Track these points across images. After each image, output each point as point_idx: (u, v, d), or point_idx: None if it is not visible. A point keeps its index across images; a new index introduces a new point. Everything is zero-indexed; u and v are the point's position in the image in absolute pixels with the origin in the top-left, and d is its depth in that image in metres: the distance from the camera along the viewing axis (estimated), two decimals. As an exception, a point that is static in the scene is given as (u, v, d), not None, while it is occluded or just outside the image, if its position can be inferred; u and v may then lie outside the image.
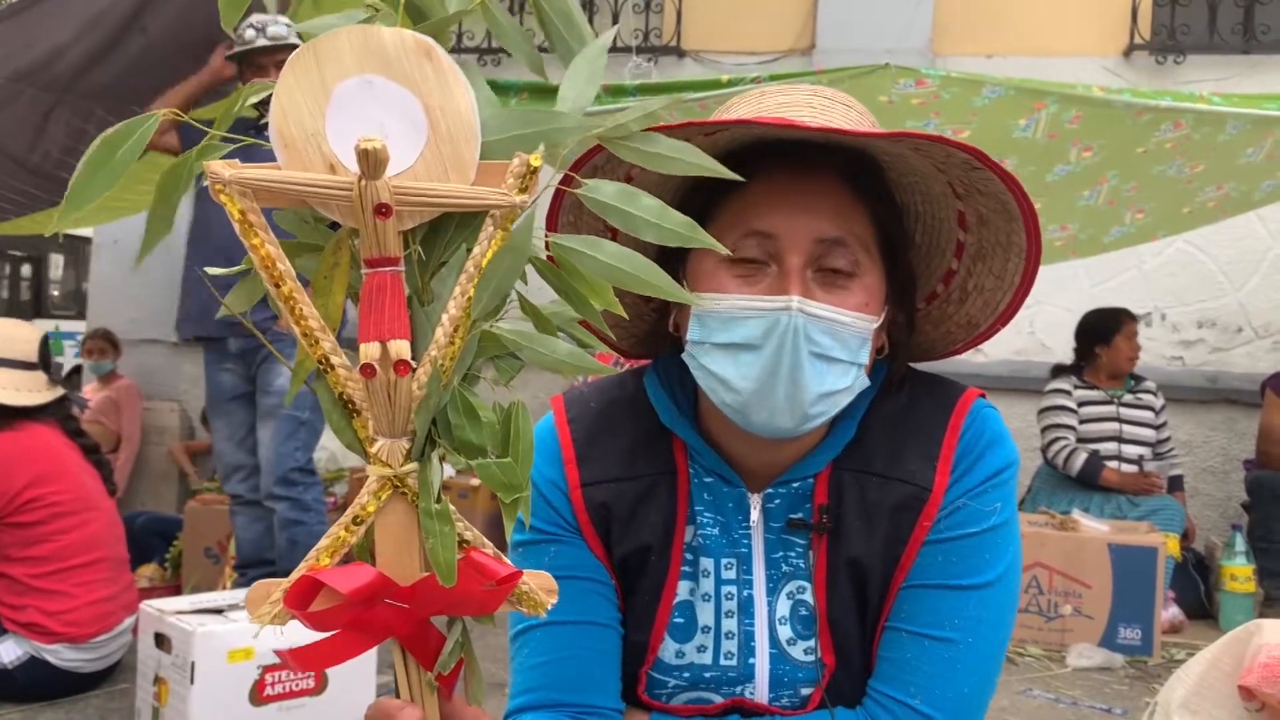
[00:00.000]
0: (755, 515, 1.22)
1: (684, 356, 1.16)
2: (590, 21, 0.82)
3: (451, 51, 0.77)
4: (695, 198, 1.18)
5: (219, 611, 3.11)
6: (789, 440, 1.17)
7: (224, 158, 0.76)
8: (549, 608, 0.82)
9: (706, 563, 1.23)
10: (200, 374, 4.32)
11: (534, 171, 0.75)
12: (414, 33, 0.75)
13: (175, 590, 4.74)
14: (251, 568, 4.12)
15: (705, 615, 1.23)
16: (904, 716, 1.17)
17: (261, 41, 3.93)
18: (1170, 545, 4.78)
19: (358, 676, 3.16)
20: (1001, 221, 1.17)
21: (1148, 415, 5.31)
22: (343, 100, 0.74)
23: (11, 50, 4.25)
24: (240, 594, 3.32)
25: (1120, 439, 5.23)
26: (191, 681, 2.92)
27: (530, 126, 0.77)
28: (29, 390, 3.50)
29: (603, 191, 0.78)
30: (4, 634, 3.37)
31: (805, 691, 1.22)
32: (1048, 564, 4.60)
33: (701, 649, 1.23)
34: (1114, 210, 4.47)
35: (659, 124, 1.05)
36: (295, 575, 0.77)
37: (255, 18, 3.97)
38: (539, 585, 0.82)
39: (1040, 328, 6.02)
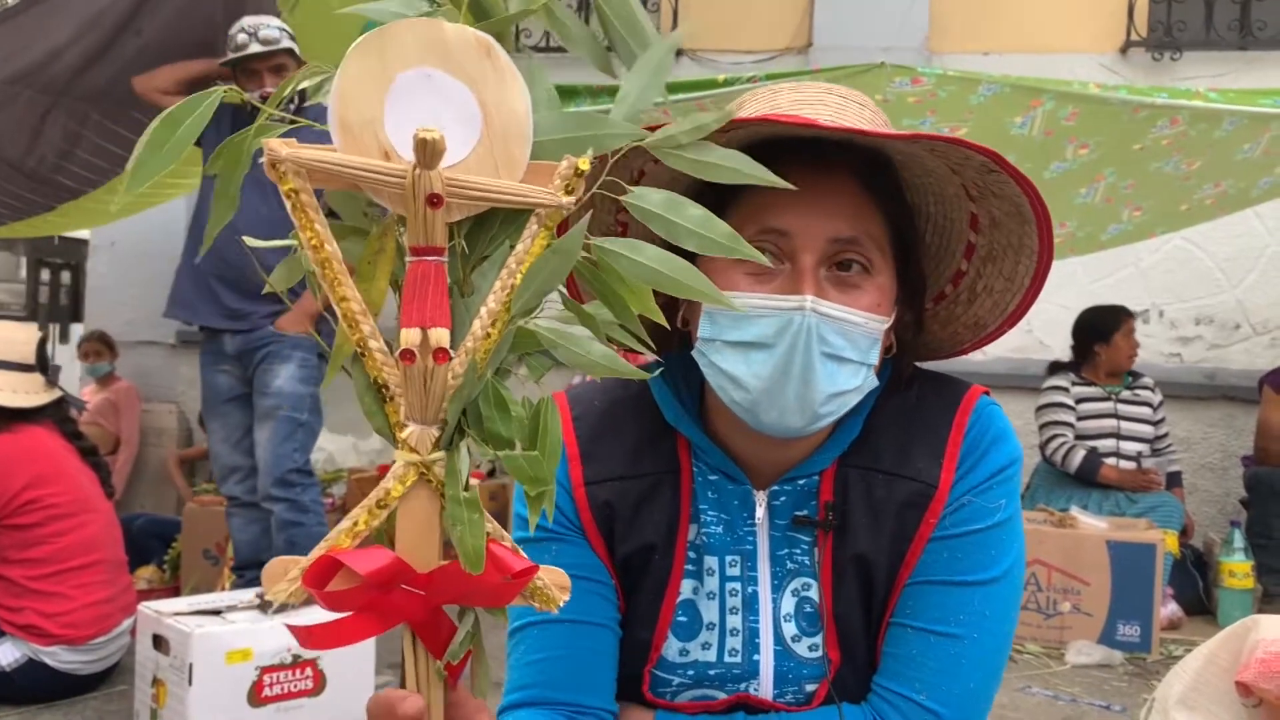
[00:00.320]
0: (761, 512, 1.22)
1: (694, 354, 1.15)
2: (586, 21, 0.82)
3: (515, 49, 0.78)
4: (708, 194, 1.18)
5: (217, 613, 3.11)
6: (796, 439, 1.17)
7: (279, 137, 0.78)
8: (561, 604, 0.82)
9: (710, 561, 1.23)
10: (198, 376, 4.31)
11: (581, 174, 0.76)
12: (476, 30, 0.76)
13: (174, 592, 4.74)
14: (250, 569, 4.11)
15: (710, 613, 1.23)
16: (910, 712, 1.17)
17: (254, 47, 3.91)
18: (1169, 542, 4.78)
19: (356, 677, 3.16)
20: (1014, 224, 1.17)
21: (1145, 412, 5.31)
22: (403, 90, 0.75)
23: (8, 53, 4.26)
24: (239, 596, 3.32)
25: (1118, 435, 5.24)
26: (190, 683, 2.92)
27: (581, 130, 0.79)
28: (26, 392, 3.51)
29: (649, 200, 0.79)
30: (2, 636, 3.37)
31: (809, 688, 1.22)
32: (1046, 561, 4.60)
33: (706, 646, 1.23)
34: (1111, 208, 4.48)
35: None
36: (314, 554, 0.78)
37: (247, 21, 3.95)
38: (553, 581, 0.82)
39: (1038, 325, 6.03)
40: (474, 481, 0.80)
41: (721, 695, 1.23)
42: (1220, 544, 5.07)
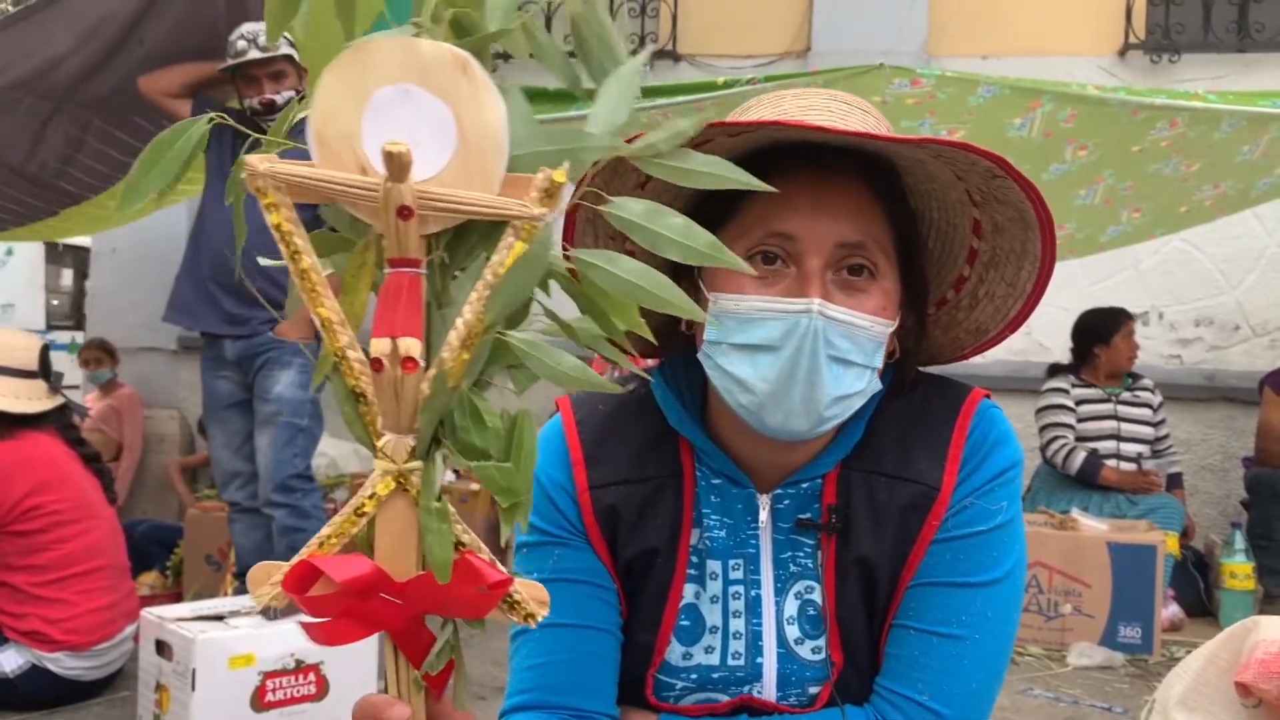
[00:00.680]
0: (764, 516, 1.22)
1: (699, 356, 1.16)
2: (549, 29, 0.84)
3: (496, 58, 0.79)
4: (715, 199, 1.17)
5: (220, 618, 3.11)
6: (800, 442, 1.17)
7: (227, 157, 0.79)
8: (540, 619, 0.83)
9: (713, 565, 1.23)
10: (199, 381, 4.32)
11: (557, 186, 0.77)
12: (452, 47, 0.77)
13: (176, 598, 4.75)
14: (251, 575, 4.11)
15: (713, 616, 1.24)
16: (912, 713, 1.18)
17: (254, 54, 3.93)
18: (1169, 543, 4.78)
19: (358, 683, 3.16)
20: (1017, 230, 1.17)
21: (1146, 413, 5.32)
22: (380, 106, 0.77)
23: (10, 60, 4.27)
24: (241, 601, 3.32)
25: (1119, 437, 5.24)
26: (193, 688, 2.92)
27: (557, 144, 0.79)
28: (29, 398, 3.51)
29: (629, 209, 0.79)
30: (5, 643, 3.37)
31: (812, 690, 1.22)
32: (1047, 563, 4.60)
33: (709, 649, 1.23)
34: (1111, 209, 4.48)
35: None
36: (296, 559, 0.79)
37: (246, 28, 3.96)
38: (530, 595, 0.83)
39: (1038, 328, 6.03)
40: (468, 484, 0.80)
41: (725, 698, 1.24)
42: (1221, 545, 5.07)
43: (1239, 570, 4.86)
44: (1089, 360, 5.33)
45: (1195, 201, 4.54)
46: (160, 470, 6.77)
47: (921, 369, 1.29)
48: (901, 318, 1.19)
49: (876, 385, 1.16)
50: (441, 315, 0.79)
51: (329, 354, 0.80)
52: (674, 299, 0.78)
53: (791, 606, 1.23)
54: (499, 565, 0.80)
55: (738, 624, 1.23)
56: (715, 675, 1.23)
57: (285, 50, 3.94)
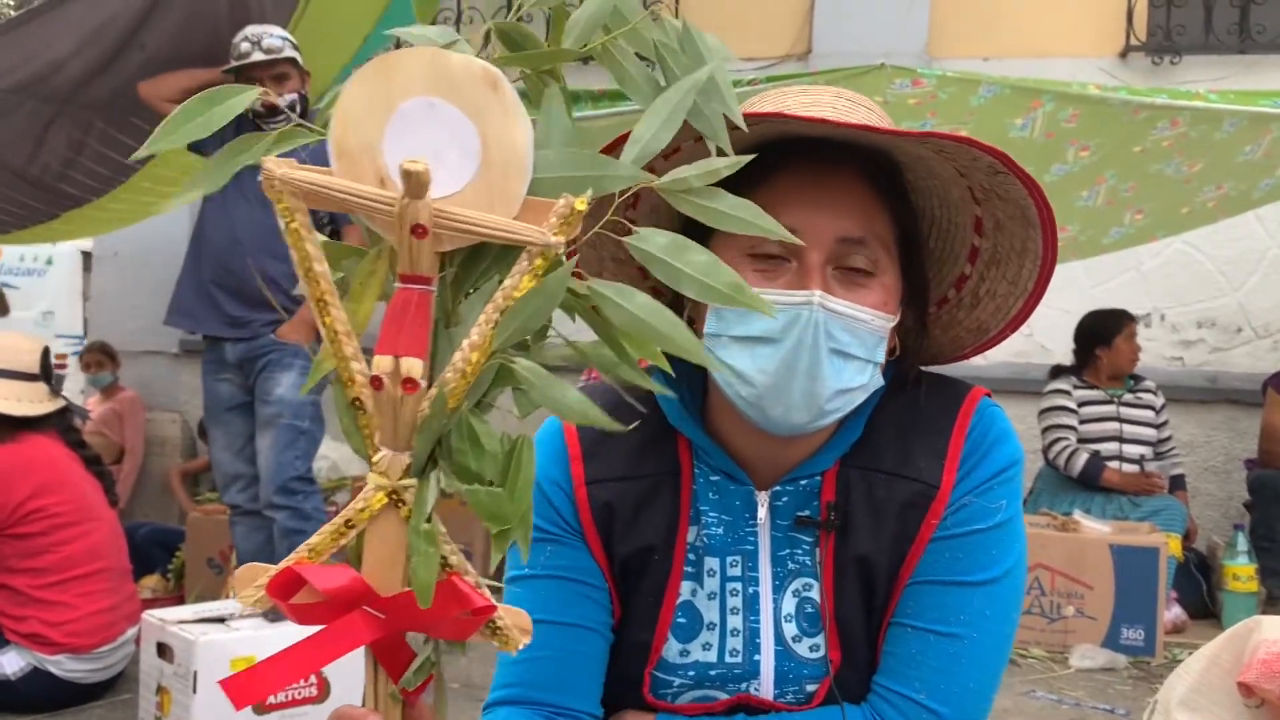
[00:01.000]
0: (762, 513, 1.22)
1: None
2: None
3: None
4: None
5: (221, 621, 3.11)
6: (799, 437, 1.17)
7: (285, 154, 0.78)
8: (521, 646, 0.82)
9: (711, 562, 1.23)
10: (199, 385, 4.32)
11: (578, 214, 0.76)
12: (483, 62, 0.76)
13: (178, 601, 4.74)
14: (253, 577, 4.11)
15: (710, 613, 1.24)
16: (909, 711, 1.18)
17: (257, 55, 3.93)
18: (1172, 545, 4.77)
19: (359, 685, 3.14)
20: (1018, 227, 1.17)
21: (1148, 415, 5.31)
22: (405, 118, 0.76)
23: (11, 64, 4.27)
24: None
25: (1121, 439, 5.23)
26: (194, 691, 2.92)
27: (583, 170, 0.78)
28: (30, 401, 3.51)
29: (652, 243, 0.78)
30: (6, 645, 3.37)
31: (810, 688, 1.22)
32: (1050, 565, 4.60)
33: (706, 646, 1.23)
34: (1113, 211, 4.48)
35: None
36: (282, 565, 0.78)
37: (250, 30, 3.96)
38: (514, 623, 0.82)
39: (1040, 329, 6.02)
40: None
41: (723, 696, 1.24)
42: (1224, 547, 5.06)
43: (1242, 572, 4.86)
44: (1091, 362, 5.33)
45: (1197, 203, 4.53)
46: (161, 474, 6.77)
47: (923, 368, 1.29)
48: (902, 315, 1.19)
49: (879, 381, 1.16)
50: (449, 335, 0.78)
51: (326, 359, 0.79)
52: (683, 340, 0.77)
53: (789, 604, 1.22)
54: (484, 590, 0.80)
55: (735, 621, 1.23)
56: (713, 672, 1.23)
57: (289, 53, 3.95)
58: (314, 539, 0.80)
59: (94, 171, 4.96)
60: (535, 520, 1.23)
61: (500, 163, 0.76)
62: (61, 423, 3.64)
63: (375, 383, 0.76)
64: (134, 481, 6.63)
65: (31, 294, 9.29)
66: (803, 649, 1.22)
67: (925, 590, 1.19)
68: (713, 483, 1.24)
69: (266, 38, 3.93)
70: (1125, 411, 5.28)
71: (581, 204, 0.76)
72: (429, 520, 0.77)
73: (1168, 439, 5.40)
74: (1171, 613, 4.77)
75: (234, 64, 3.95)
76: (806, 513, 1.22)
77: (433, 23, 0.82)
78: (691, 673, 1.23)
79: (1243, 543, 4.93)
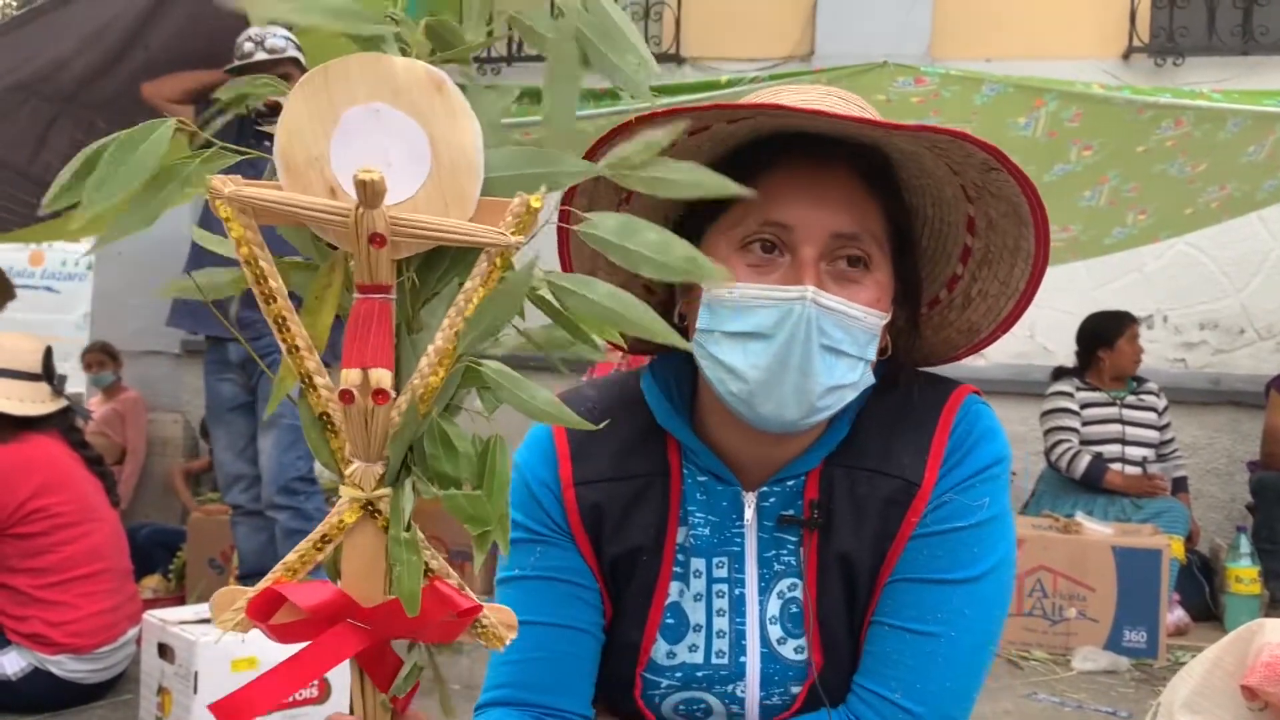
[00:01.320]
0: (749, 514, 1.22)
1: (691, 345, 1.15)
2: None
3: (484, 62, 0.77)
4: None
5: (222, 621, 3.11)
6: (789, 436, 1.17)
7: (230, 168, 0.77)
8: (507, 643, 0.82)
9: (698, 562, 1.23)
10: (203, 385, 4.32)
11: (533, 212, 0.75)
12: (426, 65, 0.75)
13: (179, 601, 4.74)
14: (255, 578, 4.11)
15: (697, 614, 1.23)
16: (885, 711, 1.17)
17: (260, 55, 3.93)
18: (1174, 547, 4.76)
19: (361, 685, 3.15)
20: (1011, 226, 1.17)
21: (1150, 417, 5.30)
22: (349, 126, 0.75)
23: (13, 63, 4.27)
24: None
25: (1123, 441, 5.22)
26: (195, 691, 2.92)
27: (534, 167, 0.77)
28: (32, 401, 3.51)
29: (603, 227, 0.77)
30: (7, 645, 3.37)
31: (795, 689, 1.22)
32: (1052, 567, 4.59)
33: (693, 648, 1.23)
34: (1116, 211, 4.47)
35: (685, 106, 1.06)
36: (260, 586, 0.78)
37: (253, 30, 3.96)
38: (500, 620, 0.82)
39: (1041, 331, 6.02)
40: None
41: (710, 697, 1.23)
42: (1226, 549, 5.05)
43: (1244, 574, 4.85)
44: (1093, 364, 5.32)
45: (1201, 203, 4.53)
46: (163, 474, 6.77)
47: (915, 369, 1.29)
48: (893, 314, 1.19)
49: (870, 379, 1.15)
50: (412, 341, 0.77)
51: (288, 377, 0.79)
52: (648, 323, 0.76)
53: (774, 606, 1.22)
54: (468, 591, 0.80)
55: (721, 622, 1.23)
56: (699, 674, 1.23)
57: (292, 53, 3.95)
58: (290, 556, 0.79)
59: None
60: (525, 521, 1.23)
61: (450, 165, 0.75)
62: (63, 423, 3.64)
63: (345, 396, 0.75)
64: (136, 482, 6.63)
65: (73, 298, 9.50)
66: (788, 651, 1.22)
67: (904, 588, 1.18)
68: (700, 483, 1.23)
69: (270, 38, 3.93)
70: (1128, 413, 5.27)
71: (537, 201, 0.75)
72: (408, 529, 0.77)
73: (1170, 441, 5.39)
74: (1174, 615, 4.77)
75: (237, 64, 3.96)
76: (791, 512, 1.21)
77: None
78: (679, 674, 1.23)
79: (1245, 545, 4.92)
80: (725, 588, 1.23)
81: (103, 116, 4.66)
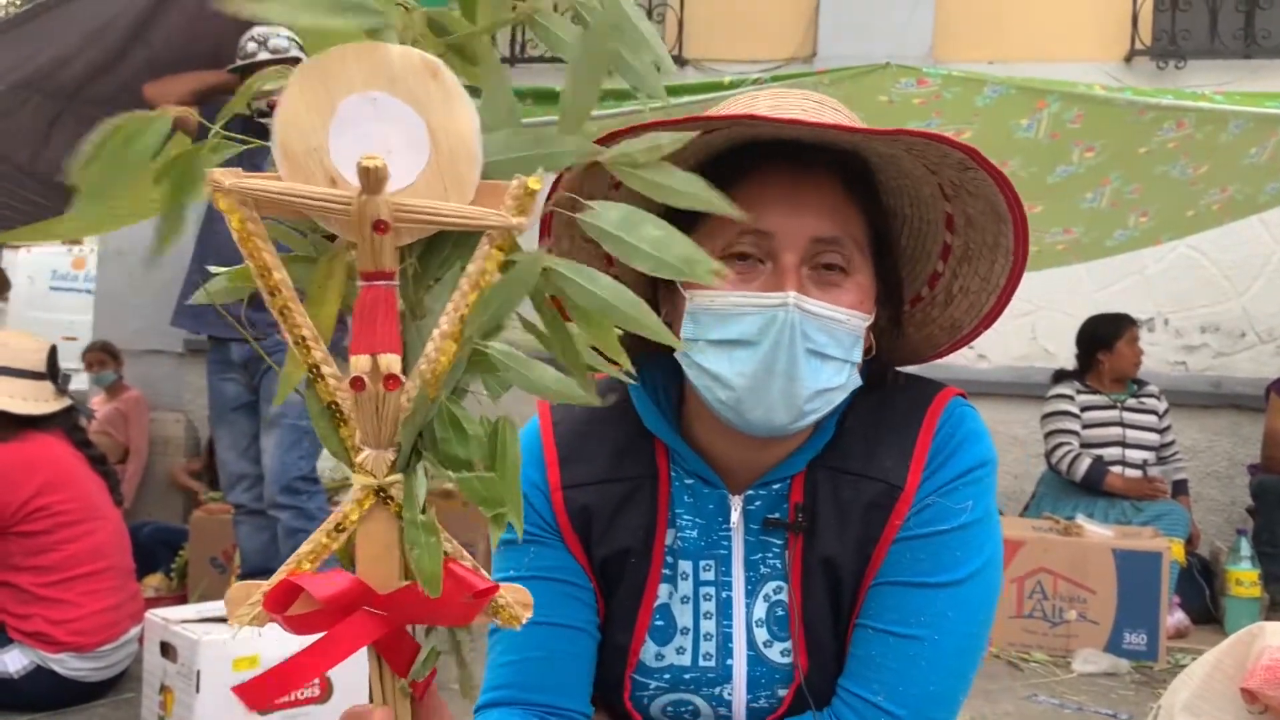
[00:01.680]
0: (736, 517, 1.22)
1: (677, 355, 1.16)
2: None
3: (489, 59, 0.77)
4: None
5: (224, 620, 3.11)
6: (776, 440, 1.17)
7: (232, 159, 0.77)
8: (524, 621, 0.83)
9: (685, 565, 1.24)
10: (205, 384, 4.32)
11: (531, 194, 0.75)
12: (422, 52, 0.75)
13: (181, 600, 4.74)
14: (256, 577, 4.10)
15: (684, 617, 1.24)
16: (868, 714, 1.17)
17: (263, 55, 3.94)
18: (1175, 550, 4.77)
19: (362, 685, 3.13)
20: (989, 223, 1.18)
21: (1151, 419, 5.31)
22: (347, 116, 0.75)
23: (15, 61, 4.27)
24: (245, 602, 3.32)
25: (1124, 444, 5.23)
26: (197, 690, 2.92)
27: (531, 149, 0.77)
28: (36, 400, 3.51)
29: (604, 218, 0.77)
30: (9, 643, 3.37)
31: (781, 692, 1.23)
32: (1052, 569, 4.59)
33: (680, 650, 1.24)
34: (1117, 213, 4.47)
35: (665, 122, 1.06)
36: (275, 579, 0.78)
37: (257, 30, 3.97)
38: (515, 599, 0.82)
39: (1042, 333, 6.02)
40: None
41: (698, 700, 1.24)
42: (1227, 552, 5.06)
43: (1245, 577, 4.85)
44: (1093, 366, 5.32)
45: (1203, 206, 4.53)
46: (165, 473, 6.78)
47: (899, 369, 1.29)
48: (876, 314, 1.20)
49: (857, 380, 1.16)
50: (417, 327, 0.77)
51: (296, 370, 0.79)
52: (647, 320, 0.76)
53: (761, 609, 1.23)
54: (482, 572, 0.80)
55: (708, 625, 1.23)
56: (687, 676, 1.24)
57: (295, 53, 3.95)
58: (304, 548, 0.79)
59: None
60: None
61: (449, 150, 0.75)
62: (67, 422, 3.64)
63: (356, 384, 0.75)
64: (139, 481, 6.64)
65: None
66: (774, 654, 1.22)
67: (887, 591, 1.18)
68: (687, 486, 1.24)
69: (273, 38, 3.94)
70: (1128, 416, 5.28)
71: (535, 183, 0.75)
72: (424, 511, 0.77)
73: (1171, 444, 5.39)
74: (1174, 618, 4.77)
75: (240, 64, 3.96)
76: (776, 515, 1.22)
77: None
78: (667, 676, 1.24)
79: (1246, 548, 4.93)
80: (712, 590, 1.23)
81: (105, 114, 4.64)
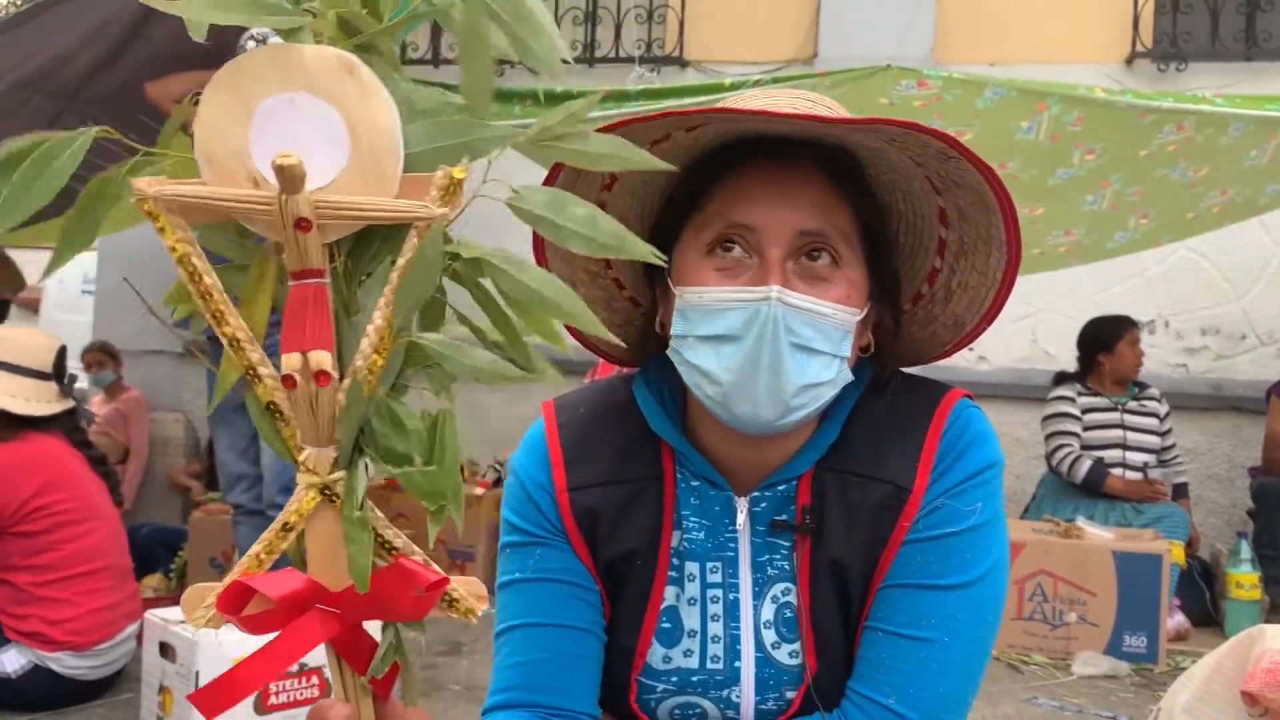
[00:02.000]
0: (742, 518, 1.22)
1: (669, 352, 1.16)
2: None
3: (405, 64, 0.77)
4: (682, 193, 1.20)
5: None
6: (775, 438, 1.17)
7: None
8: (479, 613, 0.82)
9: (692, 567, 1.23)
10: (204, 385, 4.32)
11: (456, 183, 0.76)
12: (335, 49, 0.76)
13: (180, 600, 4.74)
14: (255, 577, 4.11)
15: (691, 619, 1.24)
16: (879, 716, 1.17)
17: None
18: (1175, 552, 4.77)
19: (361, 685, 3.15)
20: (980, 215, 1.17)
21: (1152, 422, 5.30)
22: (265, 117, 0.76)
23: (16, 61, 4.27)
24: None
25: (1125, 446, 5.22)
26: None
27: (453, 138, 0.78)
28: (39, 400, 3.51)
29: (532, 201, 0.77)
30: (7, 643, 3.37)
31: (790, 694, 1.22)
32: (1052, 571, 4.59)
33: (688, 653, 1.23)
34: (1118, 215, 4.47)
35: (636, 118, 1.07)
36: (228, 580, 0.78)
37: (255, 30, 3.97)
38: (469, 592, 0.82)
39: (1043, 335, 6.02)
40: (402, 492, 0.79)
41: (705, 702, 1.24)
42: (1227, 555, 5.05)
43: (1245, 580, 4.85)
44: (1094, 368, 5.32)
45: (1203, 208, 4.53)
46: (165, 473, 6.78)
47: (904, 370, 1.29)
48: (876, 313, 1.20)
49: (848, 376, 1.15)
50: (351, 324, 0.78)
51: (230, 371, 0.79)
52: (575, 309, 0.76)
53: (769, 610, 1.22)
54: (434, 565, 0.80)
55: (716, 627, 1.23)
56: (694, 679, 1.23)
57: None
58: (254, 548, 0.80)
59: (99, 169, 4.96)
60: (523, 524, 1.24)
61: (369, 145, 0.75)
62: (68, 422, 3.64)
63: (288, 382, 0.76)
64: (139, 482, 6.63)
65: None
66: (782, 655, 1.22)
67: (897, 594, 1.18)
68: (693, 488, 1.24)
69: (272, 36, 3.93)
70: (1129, 418, 5.27)
71: (461, 172, 0.75)
72: (360, 508, 0.77)
73: (1171, 446, 5.39)
74: (1174, 620, 4.77)
75: (238, 63, 3.96)
76: (783, 517, 1.21)
77: None
78: (674, 679, 1.24)
79: (1246, 550, 4.92)
80: (719, 593, 1.23)
81: (106, 112, 4.67)
